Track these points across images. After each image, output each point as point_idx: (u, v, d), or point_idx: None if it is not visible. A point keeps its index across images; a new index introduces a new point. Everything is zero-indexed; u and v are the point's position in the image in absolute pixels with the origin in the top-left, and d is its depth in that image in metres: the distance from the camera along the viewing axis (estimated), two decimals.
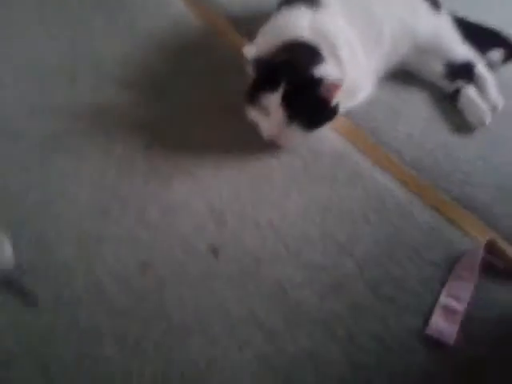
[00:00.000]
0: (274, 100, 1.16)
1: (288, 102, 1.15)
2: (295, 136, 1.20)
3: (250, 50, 1.21)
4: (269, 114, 1.18)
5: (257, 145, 1.24)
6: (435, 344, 0.94)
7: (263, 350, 0.91)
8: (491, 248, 1.08)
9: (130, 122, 1.28)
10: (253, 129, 1.24)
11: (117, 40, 1.45)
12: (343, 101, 1.25)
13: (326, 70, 1.19)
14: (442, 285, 1.02)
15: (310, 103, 1.16)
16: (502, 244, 1.10)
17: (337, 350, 0.93)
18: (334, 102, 1.17)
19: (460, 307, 0.98)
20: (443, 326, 0.96)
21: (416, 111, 1.38)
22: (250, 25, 1.44)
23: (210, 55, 1.43)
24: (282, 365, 0.90)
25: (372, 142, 1.30)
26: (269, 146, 1.23)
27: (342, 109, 1.25)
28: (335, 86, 1.13)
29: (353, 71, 1.27)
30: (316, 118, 1.19)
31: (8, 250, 1.00)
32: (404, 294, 1.01)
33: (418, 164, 1.26)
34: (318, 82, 1.15)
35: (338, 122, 1.27)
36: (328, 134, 1.29)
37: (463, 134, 1.32)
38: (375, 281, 1.02)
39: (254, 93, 1.20)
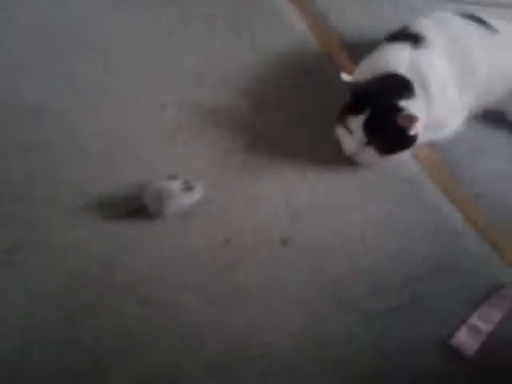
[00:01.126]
0: (357, 122, 1.34)
1: (369, 126, 1.33)
2: (372, 157, 1.37)
3: (347, 77, 1.39)
4: (351, 134, 1.36)
5: (341, 159, 1.43)
6: (455, 353, 1.09)
7: (312, 328, 1.12)
8: None
9: (237, 123, 1.51)
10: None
11: (240, 53, 1.70)
12: (429, 133, 1.41)
13: (410, 103, 1.35)
14: (476, 307, 1.16)
15: (388, 130, 1.33)
16: None
17: (370, 339, 1.10)
18: (412, 132, 1.33)
19: (485, 329, 1.12)
20: (466, 340, 1.10)
21: (498, 150, 1.51)
22: (362, 52, 1.63)
23: (320, 76, 1.63)
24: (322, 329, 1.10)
25: (446, 174, 1.44)
26: (350, 162, 1.41)
27: (425, 139, 1.41)
28: (411, 118, 1.29)
29: (442, 108, 1.42)
30: (391, 145, 1.35)
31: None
32: (439, 308, 1.16)
33: (489, 203, 1.39)
34: (396, 112, 1.32)
35: (421, 151, 1.44)
36: (407, 160, 1.45)
37: None
38: (416, 292, 1.18)
39: (344, 113, 1.39)
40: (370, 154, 1.36)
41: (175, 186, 1.27)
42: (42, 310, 1.11)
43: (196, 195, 1.29)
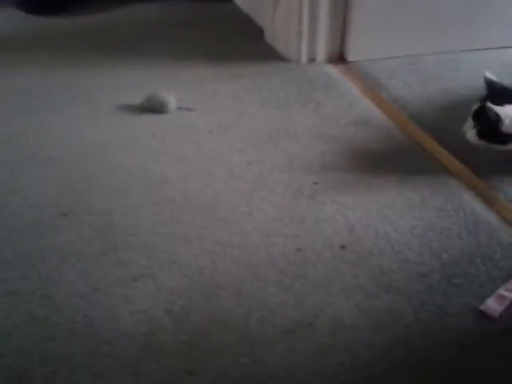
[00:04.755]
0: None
1: (475, 114, 1.75)
2: (473, 139, 1.76)
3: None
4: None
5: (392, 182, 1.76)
6: (484, 316, 1.32)
7: (363, 305, 1.41)
8: None
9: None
10: None
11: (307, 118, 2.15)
12: None
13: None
14: (504, 282, 1.39)
15: (482, 120, 1.72)
16: None
17: (410, 311, 1.36)
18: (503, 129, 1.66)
19: (510, 296, 1.34)
20: (493, 305, 1.33)
21: None
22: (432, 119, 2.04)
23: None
24: (371, 306, 1.38)
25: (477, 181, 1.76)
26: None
27: None
28: (496, 115, 1.65)
29: None
30: (484, 133, 1.72)
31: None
32: (471, 284, 1.40)
33: None
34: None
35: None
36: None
37: None
38: (452, 274, 1.44)
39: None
40: (473, 136, 1.74)
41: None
42: None
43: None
